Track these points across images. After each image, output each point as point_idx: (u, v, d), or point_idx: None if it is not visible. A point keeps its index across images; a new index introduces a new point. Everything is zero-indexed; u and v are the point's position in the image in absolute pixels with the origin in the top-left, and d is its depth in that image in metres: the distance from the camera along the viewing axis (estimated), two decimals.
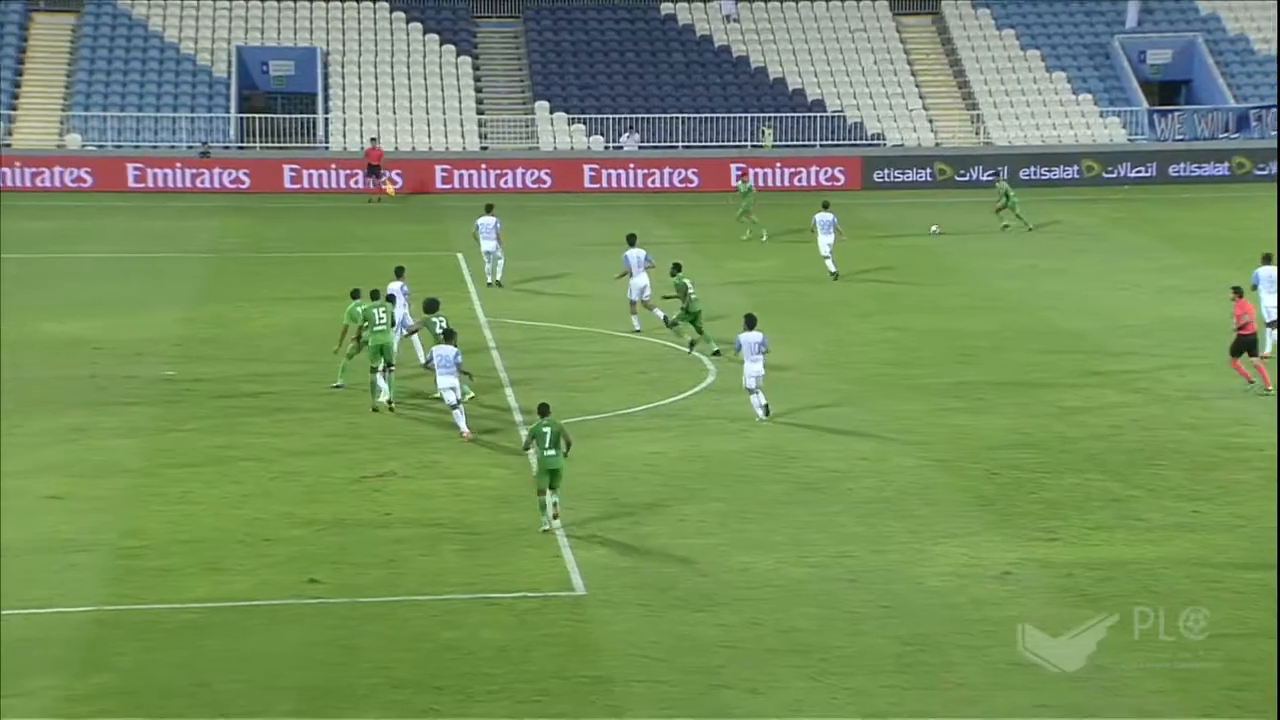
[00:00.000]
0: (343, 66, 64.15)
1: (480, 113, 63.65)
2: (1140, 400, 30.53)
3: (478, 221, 41.07)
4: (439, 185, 59.23)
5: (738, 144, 62.37)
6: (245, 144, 60.89)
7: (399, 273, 32.93)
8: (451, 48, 65.48)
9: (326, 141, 61.61)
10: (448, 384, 27.90)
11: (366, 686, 18.55)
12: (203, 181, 58.01)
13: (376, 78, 63.99)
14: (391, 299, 31.22)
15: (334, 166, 59.20)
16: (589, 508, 24.57)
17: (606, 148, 62.29)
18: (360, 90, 63.54)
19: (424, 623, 20.26)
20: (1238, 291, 30.61)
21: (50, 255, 45.96)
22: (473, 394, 29.56)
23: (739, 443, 28.07)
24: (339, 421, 29.28)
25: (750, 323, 29.56)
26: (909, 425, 29.04)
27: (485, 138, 62.86)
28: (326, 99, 62.81)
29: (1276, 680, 18.34)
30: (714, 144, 62.40)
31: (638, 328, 36.06)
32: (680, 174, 60.23)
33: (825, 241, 42.78)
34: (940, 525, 23.83)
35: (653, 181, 59.42)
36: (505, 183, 59.33)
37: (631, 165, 60.26)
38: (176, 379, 32.21)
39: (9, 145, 59.57)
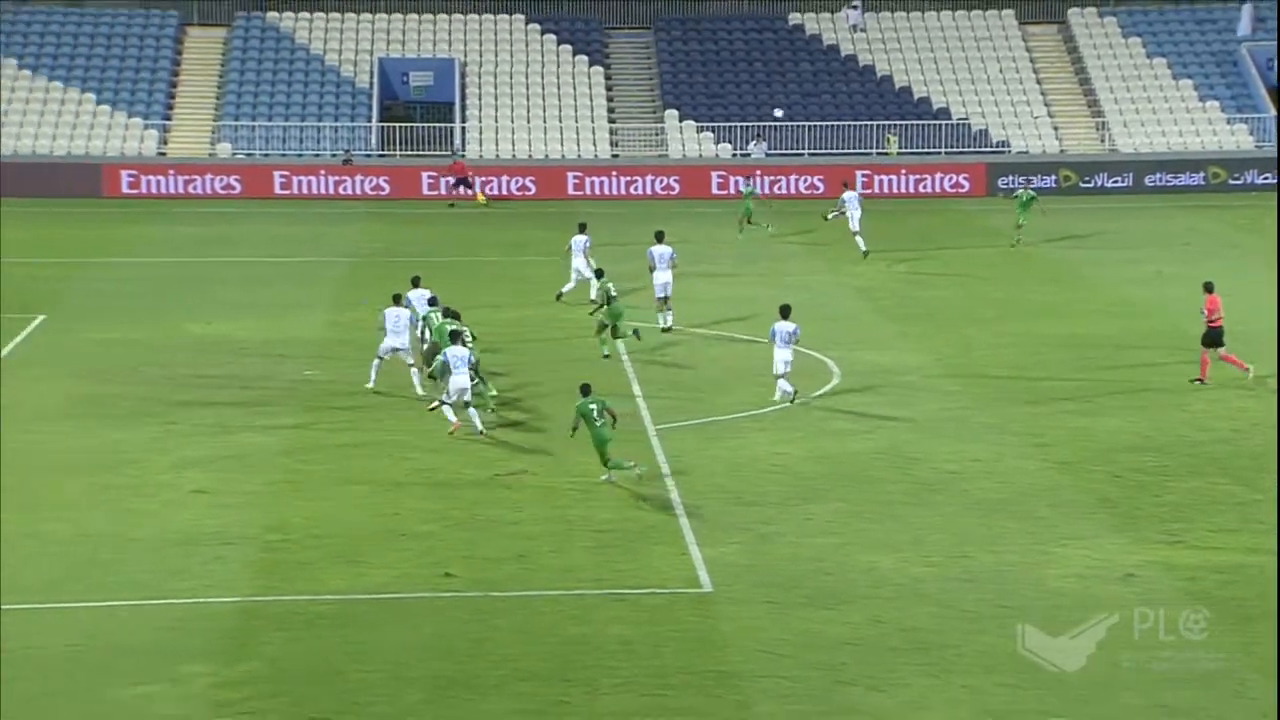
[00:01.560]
0: (479, 77, 64.60)
1: (611, 121, 63.80)
2: (1264, 404, 29.89)
3: (572, 240, 40.68)
4: (571, 191, 59.43)
5: (863, 151, 61.97)
6: (385, 152, 61.52)
7: (415, 282, 33.08)
8: (584, 58, 65.70)
9: (463, 149, 62.06)
10: (459, 385, 27.81)
11: (496, 678, 18.62)
12: (345, 188, 58.68)
13: (512, 87, 64.36)
14: (431, 305, 31.45)
15: (471, 173, 59.56)
16: (716, 506, 24.52)
17: (734, 155, 62.17)
18: (496, 99, 63.95)
19: (553, 617, 20.31)
20: (1208, 287, 31.58)
21: (200, 259, 46.72)
22: (495, 394, 29.57)
23: (862, 444, 27.86)
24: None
25: (785, 312, 30.13)
26: (1030, 428, 28.66)
27: (616, 145, 63.00)
28: (464, 108, 63.29)
29: (1277, 680, 18.07)
30: (839, 151, 62.05)
31: (667, 324, 35.90)
32: (806, 180, 59.95)
33: (855, 218, 44.16)
34: (1062, 527, 23.49)
35: (779, 188, 59.19)
36: (635, 189, 59.40)
37: (759, 172, 60.07)
38: (317, 379, 32.57)
39: (164, 154, 60.66)
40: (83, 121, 61.32)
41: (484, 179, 59.35)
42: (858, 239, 42.45)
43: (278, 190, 58.29)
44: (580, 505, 24.62)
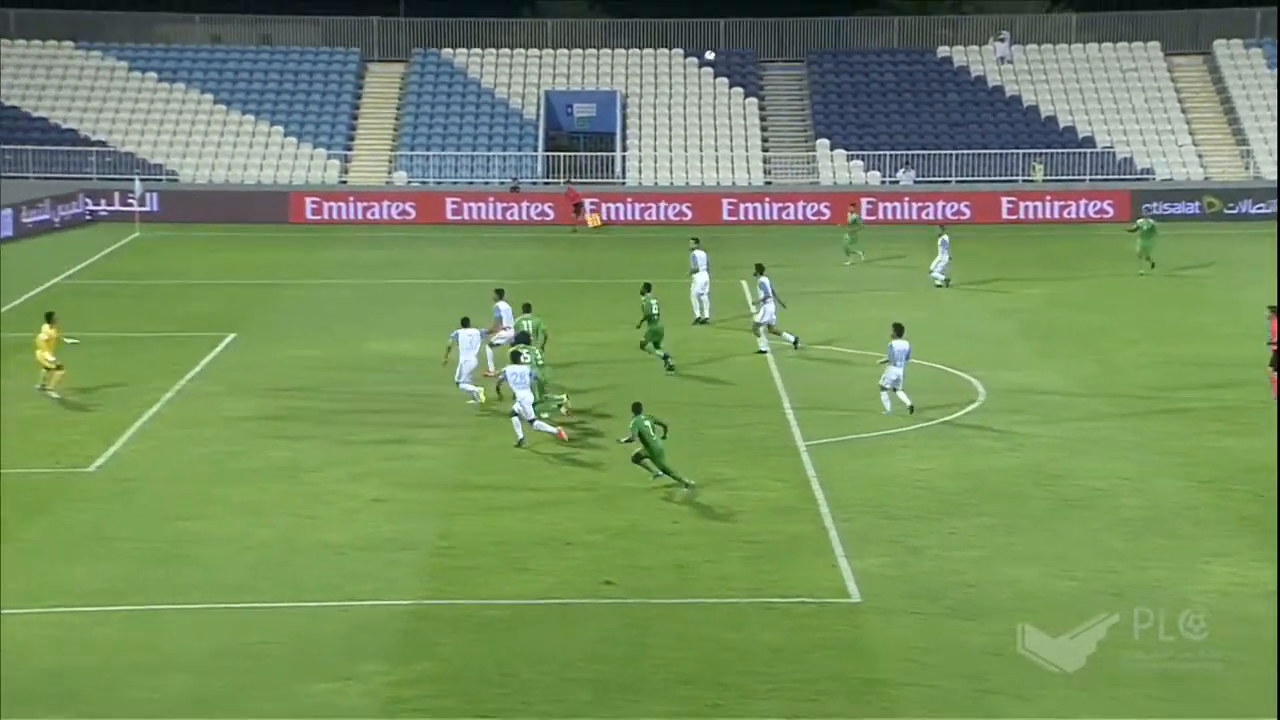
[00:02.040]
0: (640, 108, 64.99)
1: (765, 149, 63.81)
2: None
3: (693, 254, 40.59)
4: (725, 217, 59.51)
5: (1008, 178, 61.29)
6: (550, 179, 62.13)
7: (500, 294, 33.54)
8: (740, 90, 65.81)
9: (624, 177, 62.46)
10: (526, 398, 28.19)
11: (656, 682, 18.71)
12: (512, 214, 59.33)
13: (670, 118, 64.66)
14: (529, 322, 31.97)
15: (629, 200, 59.98)
16: (864, 520, 24.40)
17: (883, 182, 61.84)
18: (655, 130, 64.29)
19: (709, 624, 20.35)
20: (1274, 310, 31.27)
21: (378, 281, 47.51)
22: (566, 399, 29.85)
23: (1007, 461, 27.55)
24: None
25: (899, 331, 30.13)
26: (1174, 446, 28.13)
27: (769, 173, 62.99)
28: (624, 138, 63.72)
29: (1277, 680, 17.75)
30: (985, 178, 61.44)
31: (764, 348, 35.95)
32: (953, 207, 59.40)
33: (942, 260, 44.45)
34: (1206, 544, 23.03)
35: (926, 214, 58.71)
36: (787, 215, 59.30)
37: (906, 198, 59.68)
38: (485, 395, 32.90)
39: (345, 182, 61.85)
40: (271, 152, 62.76)
41: (642, 205, 59.67)
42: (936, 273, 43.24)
43: (449, 216, 59.10)
44: (734, 518, 24.64)
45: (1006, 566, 22.17)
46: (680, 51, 67.17)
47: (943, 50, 67.23)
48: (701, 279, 39.40)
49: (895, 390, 30.20)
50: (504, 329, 32.81)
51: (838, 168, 62.66)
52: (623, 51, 67.63)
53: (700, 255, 39.76)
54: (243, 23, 69.88)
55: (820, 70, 66.97)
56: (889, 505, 25.10)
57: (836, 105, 65.46)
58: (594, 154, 62.93)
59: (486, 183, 61.60)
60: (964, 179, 61.49)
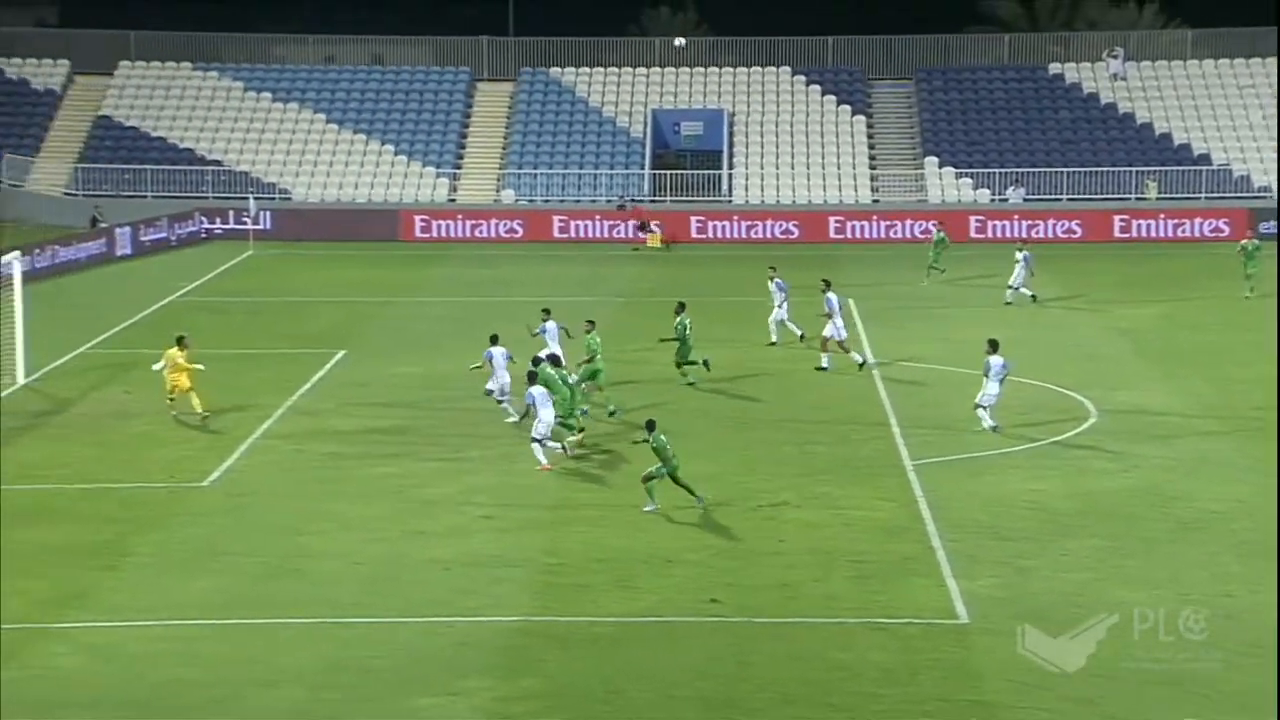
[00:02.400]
0: (746, 126, 65.01)
1: (873, 167, 63.56)
2: None
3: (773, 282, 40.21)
4: (832, 235, 59.35)
5: (1121, 196, 60.56)
6: (657, 197, 62.29)
7: (547, 314, 33.67)
8: (848, 108, 65.62)
9: (730, 195, 62.50)
10: (548, 416, 28.19)
11: (761, 700, 18.66)
12: (619, 232, 59.56)
13: (777, 136, 64.61)
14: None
15: (736, 218, 59.98)
16: (972, 540, 24.20)
17: (992, 200, 61.34)
18: (762, 147, 64.28)
19: (815, 643, 20.28)
20: None
21: (486, 299, 47.86)
22: (582, 429, 29.56)
23: (1119, 482, 27.19)
24: (733, 452, 29.58)
25: (994, 347, 29.97)
26: None
27: (877, 191, 62.73)
28: (731, 156, 63.76)
29: (1277, 680, 17.61)
30: (1097, 196, 60.75)
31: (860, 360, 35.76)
32: (1064, 225, 58.81)
33: (1022, 275, 44.29)
34: None
35: (1036, 232, 58.13)
36: (895, 233, 59.00)
37: (1016, 216, 59.15)
38: (592, 413, 33.01)
39: (454, 200, 62.44)
40: (382, 171, 63.51)
41: (749, 223, 59.63)
42: (1024, 290, 43.03)
43: (556, 234, 59.44)
44: (840, 537, 24.53)
45: (1118, 589, 21.88)
46: (788, 69, 67.13)
47: (1054, 67, 66.61)
48: (777, 306, 39.06)
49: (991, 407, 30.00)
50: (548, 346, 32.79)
51: (946, 186, 62.26)
52: (730, 70, 67.71)
53: (776, 284, 39.40)
54: (355, 43, 70.83)
55: (929, 87, 66.61)
56: (998, 526, 24.87)
57: (945, 123, 65.07)
58: (701, 172, 63.02)
59: (593, 201, 61.89)
60: (1075, 197, 60.85)
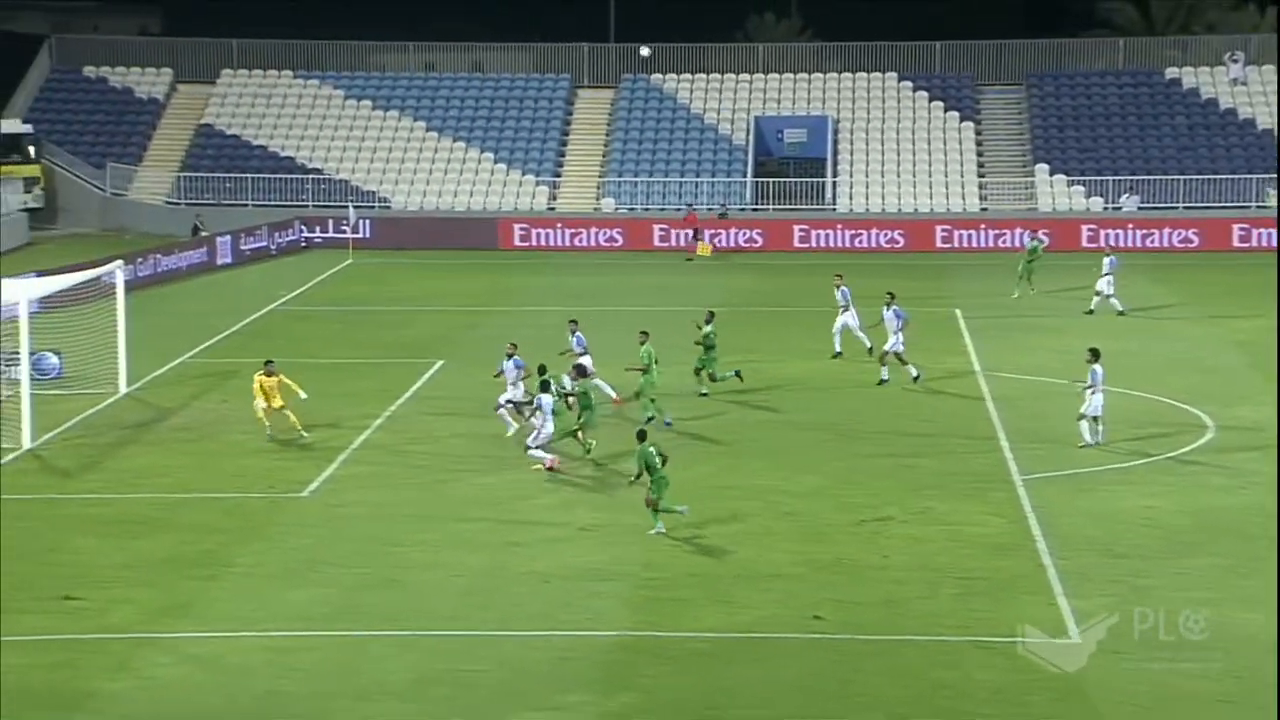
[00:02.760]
0: (851, 133, 64.77)
1: (981, 175, 63.09)
2: None
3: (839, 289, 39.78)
4: (939, 244, 58.97)
5: (1240, 204, 59.63)
6: (759, 206, 62.22)
7: (575, 324, 33.91)
8: (955, 114, 65.19)
9: (834, 203, 62.30)
10: (549, 429, 28.31)
11: (867, 719, 18.57)
12: (720, 241, 59.55)
13: (883, 143, 64.32)
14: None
15: (840, 227, 59.76)
16: (1085, 558, 23.93)
17: (1105, 208, 60.64)
18: (867, 155, 64.01)
19: (921, 662, 20.14)
20: None
21: (586, 308, 47.97)
22: (594, 444, 29.34)
23: (1238, 499, 26.77)
24: (836, 465, 29.48)
25: (1096, 355, 29.58)
26: None
27: (985, 199, 62.24)
28: (835, 163, 63.55)
29: (1277, 680, 17.55)
30: (1215, 204, 59.86)
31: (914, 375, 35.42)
32: (1180, 234, 58.01)
33: (1106, 280, 43.68)
34: None
35: (1151, 241, 57.43)
36: (1003, 242, 58.47)
37: (1130, 225, 58.43)
38: (683, 424, 33.07)
39: (553, 209, 62.75)
40: (481, 179, 63.97)
41: (852, 232, 59.41)
42: (1113, 301, 42.31)
43: (657, 243, 59.53)
44: (947, 553, 24.35)
45: (1237, 610, 21.54)
46: (894, 75, 66.82)
47: (1171, 72, 65.78)
48: (845, 314, 38.69)
49: (1098, 419, 29.62)
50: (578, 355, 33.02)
51: (1057, 194, 61.66)
52: (835, 75, 67.51)
53: (845, 291, 38.99)
54: (455, 50, 71.43)
55: (1040, 93, 66.01)
56: (1112, 543, 24.58)
57: (1057, 129, 64.46)
58: (804, 180, 62.87)
59: (694, 209, 61.90)
60: (1191, 205, 60.00)
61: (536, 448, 28.85)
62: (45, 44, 69.36)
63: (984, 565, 23.71)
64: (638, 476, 25.92)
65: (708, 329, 34.93)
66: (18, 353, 32.37)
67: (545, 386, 29.16)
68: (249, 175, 62.88)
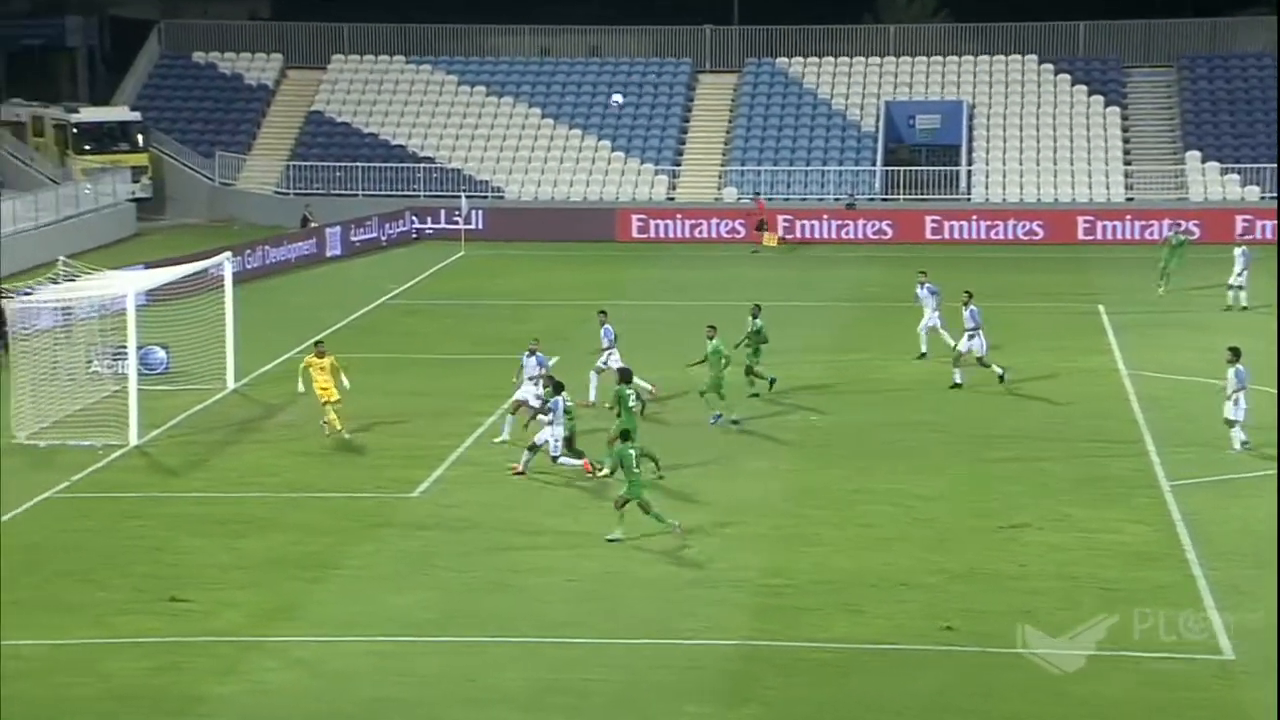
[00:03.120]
0: (988, 118, 64.15)
1: (1127, 163, 62.22)
2: None
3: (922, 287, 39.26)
4: (1081, 236, 58.26)
5: None
6: (889, 196, 61.85)
7: (604, 317, 34.02)
8: (1100, 98, 64.33)
9: (969, 193, 61.75)
10: (557, 435, 27.78)
11: None
12: (847, 232, 59.28)
13: (1021, 129, 63.63)
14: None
15: (975, 218, 59.25)
16: (1239, 569, 23.54)
17: (1262, 198, 59.53)
18: (1005, 142, 63.36)
19: (1061, 677, 19.91)
20: None
21: (705, 303, 47.96)
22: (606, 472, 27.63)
23: None
24: (967, 468, 29.25)
25: (1237, 355, 29.07)
26: None
27: (1131, 188, 61.38)
28: (970, 151, 62.98)
29: (1277, 680, 17.67)
30: None
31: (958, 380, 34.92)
32: None
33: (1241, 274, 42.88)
34: None
35: None
36: (1150, 234, 57.49)
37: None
38: (818, 424, 33.00)
39: (672, 199, 62.81)
40: (598, 168, 64.18)
41: (988, 223, 58.86)
42: (1242, 294, 41.50)
43: (781, 234, 59.32)
44: (1086, 562, 24.09)
45: None
46: (1034, 58, 66.08)
47: None
48: (928, 313, 38.12)
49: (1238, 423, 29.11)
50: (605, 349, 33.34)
51: (1209, 182, 60.63)
52: (970, 59, 66.90)
53: (930, 289, 38.42)
54: (572, 34, 71.72)
55: (1192, 76, 64.96)
56: (1265, 553, 24.13)
57: (1210, 114, 63.39)
58: (937, 168, 62.39)
59: (820, 199, 61.69)
60: None
61: (561, 457, 28.39)
62: (154, 29, 70.62)
63: (1127, 575, 23.42)
64: (611, 472, 25.94)
65: (756, 323, 34.55)
66: (125, 347, 33.02)
67: (559, 388, 28.86)
68: (359, 164, 63.60)
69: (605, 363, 33.68)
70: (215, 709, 19.35)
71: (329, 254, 55.66)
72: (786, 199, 62.01)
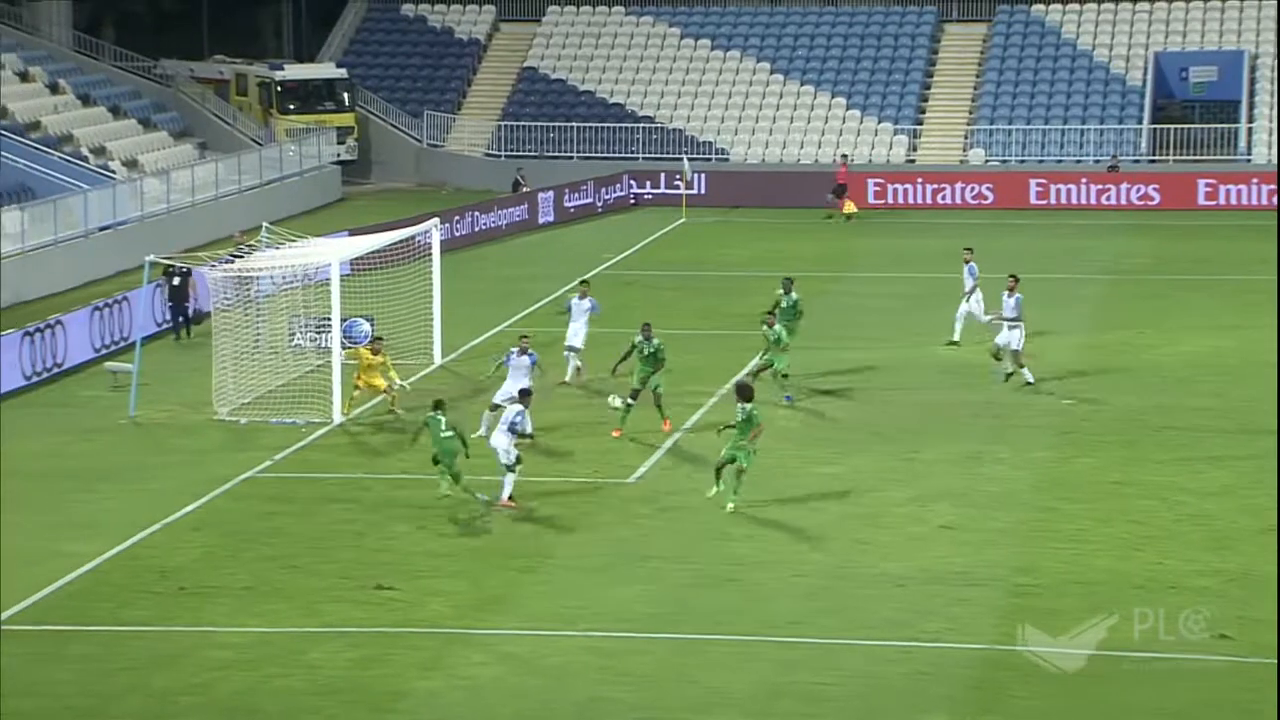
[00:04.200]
0: (1273, 70, 62.38)
1: None
2: None
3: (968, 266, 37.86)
4: None
5: None
6: (1157, 157, 60.55)
7: (583, 288, 34.12)
8: None
9: (1249, 153, 60.16)
10: (503, 443, 26.57)
11: None
12: (1108, 198, 58.22)
13: None
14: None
15: (1255, 181, 57.73)
16: None
17: None
18: None
19: None
20: None
21: (947, 275, 47.48)
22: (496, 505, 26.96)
23: None
24: (1247, 462, 28.58)
25: None
26: None
27: None
28: (1252, 107, 61.35)
29: (1277, 680, 17.92)
30: None
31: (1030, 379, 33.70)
32: None
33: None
34: None
35: None
36: None
37: None
38: (1075, 409, 32.52)
39: (913, 161, 62.27)
40: (831, 127, 63.91)
41: (1269, 187, 57.25)
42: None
43: (1033, 200, 58.54)
44: None
45: None
46: None
47: None
48: (973, 298, 36.98)
49: None
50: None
51: None
52: (1253, 3, 65.14)
53: (972, 269, 37.25)
54: None
55: None
56: None
57: None
58: (1212, 126, 60.94)
59: (1079, 161, 60.69)
60: None
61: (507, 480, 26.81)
62: None
63: None
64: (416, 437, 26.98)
65: (791, 298, 33.98)
66: (329, 318, 33.77)
67: (525, 395, 28.02)
68: (574, 124, 64.17)
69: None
70: (419, 704, 19.79)
71: (541, 221, 56.32)
72: (1041, 160, 61.13)
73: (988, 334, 35.56)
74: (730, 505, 26.20)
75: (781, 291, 34.75)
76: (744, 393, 26.89)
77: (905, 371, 35.55)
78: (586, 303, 34.61)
